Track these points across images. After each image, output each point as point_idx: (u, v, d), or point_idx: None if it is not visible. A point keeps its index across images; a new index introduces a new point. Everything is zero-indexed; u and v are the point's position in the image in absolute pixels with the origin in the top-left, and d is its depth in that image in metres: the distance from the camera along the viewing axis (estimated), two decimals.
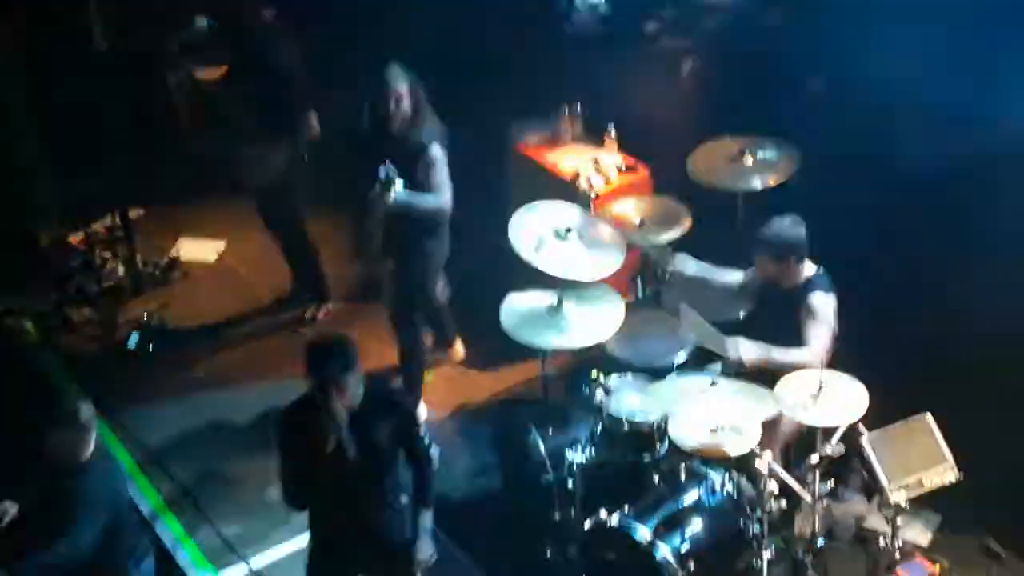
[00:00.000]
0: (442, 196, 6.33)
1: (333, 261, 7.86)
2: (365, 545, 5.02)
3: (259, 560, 6.06)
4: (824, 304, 5.67)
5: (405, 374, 6.88)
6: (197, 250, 8.47)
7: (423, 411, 6.83)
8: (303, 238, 7.56)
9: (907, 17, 6.45)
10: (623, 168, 7.37)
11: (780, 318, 5.73)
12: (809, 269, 5.77)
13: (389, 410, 4.97)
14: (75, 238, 8.44)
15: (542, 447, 5.77)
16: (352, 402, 4.74)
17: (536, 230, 6.04)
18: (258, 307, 7.92)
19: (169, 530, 6.32)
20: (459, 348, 7.29)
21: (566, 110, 7.66)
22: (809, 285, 5.72)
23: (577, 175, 7.27)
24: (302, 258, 7.67)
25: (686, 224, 6.28)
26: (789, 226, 5.71)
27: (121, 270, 8.13)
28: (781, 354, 5.59)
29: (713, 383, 5.42)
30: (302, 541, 5.38)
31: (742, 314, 6.03)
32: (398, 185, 6.13)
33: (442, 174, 6.31)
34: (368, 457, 4.84)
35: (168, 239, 8.51)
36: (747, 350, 5.62)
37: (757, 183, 6.32)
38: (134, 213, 8.37)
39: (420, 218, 6.35)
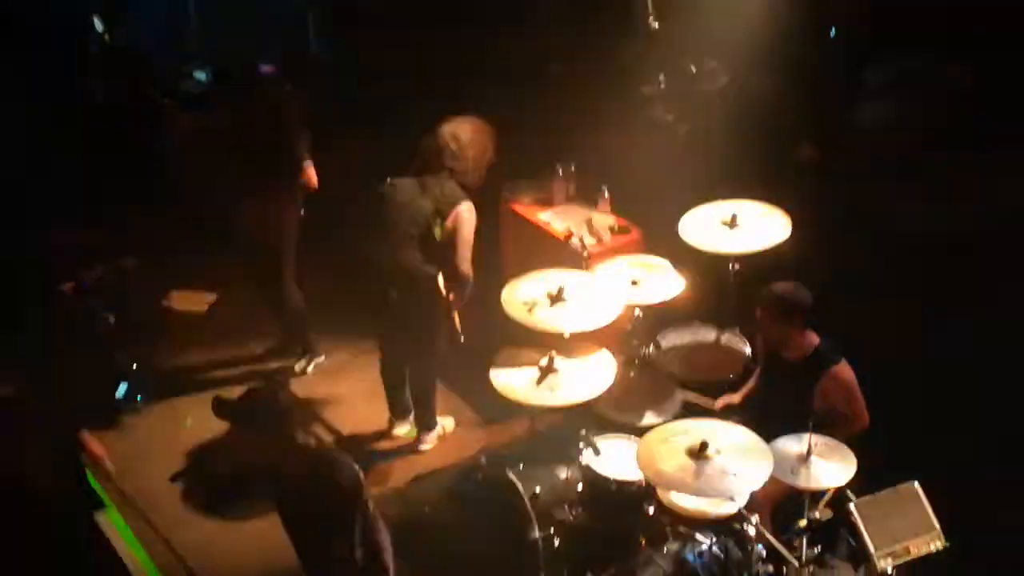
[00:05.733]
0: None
1: (326, 314, 7.86)
2: None
3: None
4: (847, 370, 5.69)
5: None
6: (188, 301, 8.49)
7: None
8: (293, 291, 7.56)
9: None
10: (616, 229, 7.43)
11: (788, 391, 5.75)
12: (814, 339, 5.78)
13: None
14: (68, 286, 8.42)
15: (529, 505, 5.76)
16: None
17: (529, 295, 6.08)
18: (247, 358, 7.93)
19: None
20: (450, 422, 7.31)
21: (560, 170, 7.73)
22: (820, 357, 5.73)
23: (570, 234, 7.32)
24: (291, 311, 7.68)
25: (678, 286, 6.34)
26: (793, 287, 5.74)
27: (112, 320, 8.11)
28: None
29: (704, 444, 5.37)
30: None
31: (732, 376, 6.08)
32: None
33: None
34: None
35: (159, 289, 8.53)
36: None
37: (749, 248, 6.36)
38: (126, 263, 8.39)
39: None
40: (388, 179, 6.55)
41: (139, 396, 7.54)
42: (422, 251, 6.44)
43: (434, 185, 6.43)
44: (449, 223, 6.42)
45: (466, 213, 6.43)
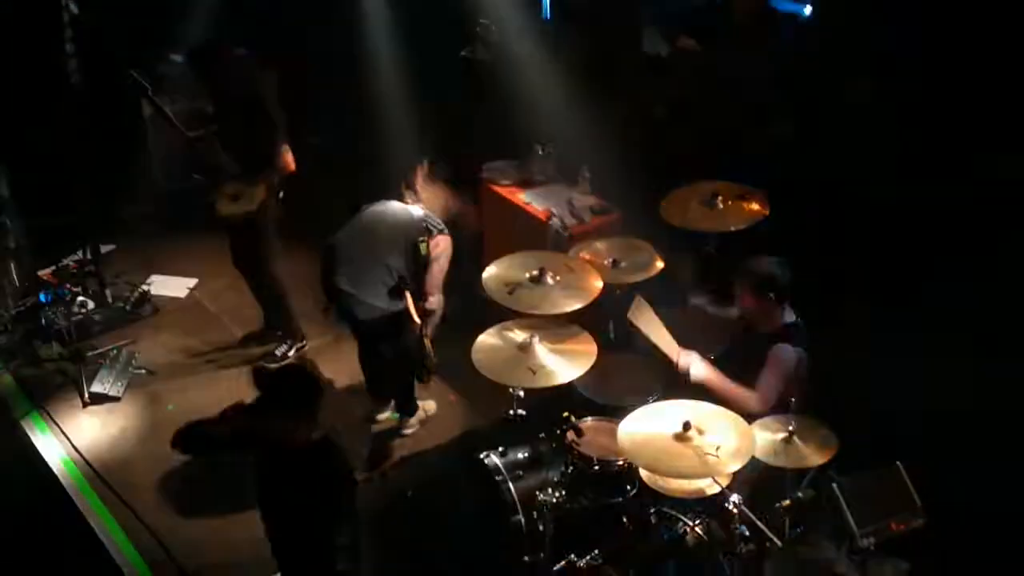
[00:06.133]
0: None
1: (305, 300, 7.82)
2: None
3: None
4: (788, 358, 5.70)
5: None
6: (168, 286, 8.46)
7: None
8: (273, 276, 7.53)
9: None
10: (596, 210, 7.41)
11: (752, 360, 5.76)
12: (788, 316, 5.79)
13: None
14: (45, 272, 8.39)
15: (512, 488, 5.76)
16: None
17: (510, 276, 6.10)
18: (228, 344, 7.90)
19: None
20: (432, 405, 7.29)
21: (539, 150, 7.69)
22: (782, 334, 5.75)
23: (550, 215, 7.29)
24: (271, 296, 7.64)
25: (657, 266, 6.33)
26: (774, 263, 5.75)
27: (91, 305, 8.08)
28: (727, 385, 5.67)
29: (687, 425, 5.34)
30: None
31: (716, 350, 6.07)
32: None
33: None
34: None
35: (139, 275, 8.49)
36: (697, 367, 5.73)
37: (730, 226, 6.34)
38: (105, 248, 8.36)
39: None
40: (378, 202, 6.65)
41: (119, 382, 7.50)
42: (403, 261, 6.50)
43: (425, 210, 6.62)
44: (433, 245, 6.53)
45: (448, 244, 6.58)
